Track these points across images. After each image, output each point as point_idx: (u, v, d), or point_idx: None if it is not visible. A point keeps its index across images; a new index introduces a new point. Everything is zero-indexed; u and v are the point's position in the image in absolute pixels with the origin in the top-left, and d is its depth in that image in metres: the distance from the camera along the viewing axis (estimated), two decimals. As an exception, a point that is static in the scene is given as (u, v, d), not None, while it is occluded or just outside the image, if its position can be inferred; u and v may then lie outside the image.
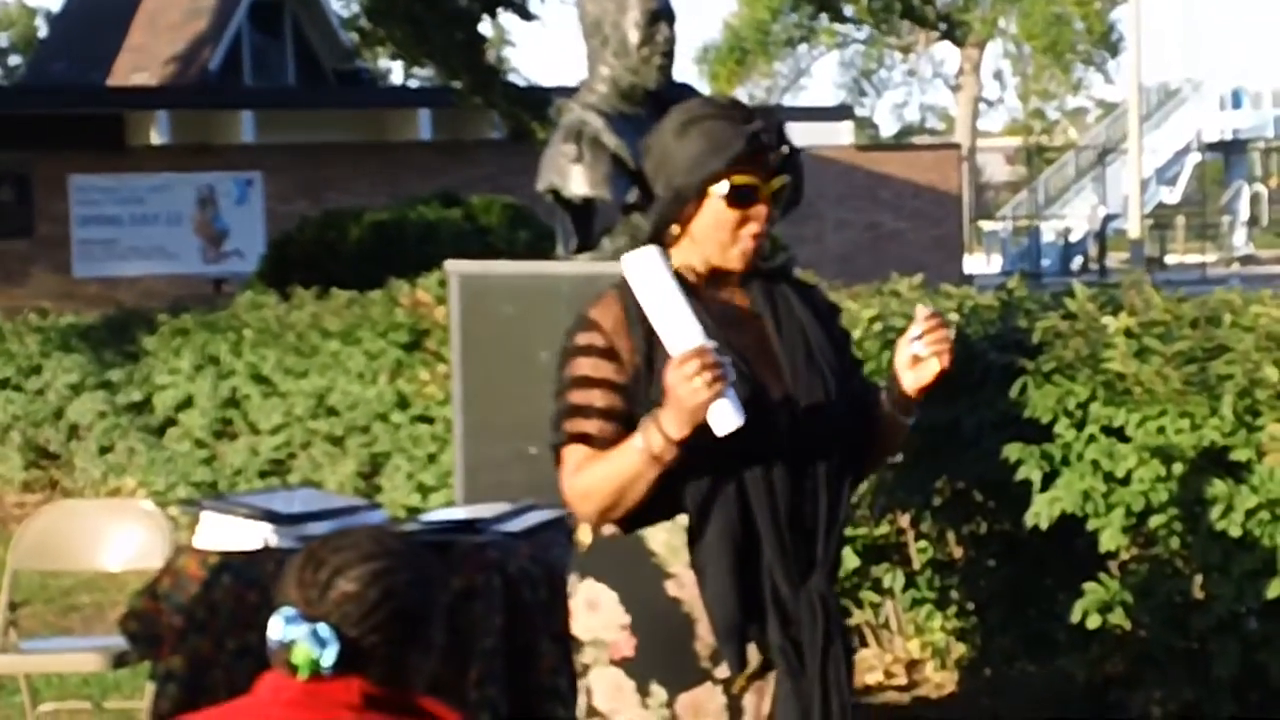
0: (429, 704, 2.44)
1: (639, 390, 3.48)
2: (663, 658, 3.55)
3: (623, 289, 3.55)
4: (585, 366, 3.51)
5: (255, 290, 11.53)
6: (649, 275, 3.36)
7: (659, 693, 3.55)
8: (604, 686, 3.60)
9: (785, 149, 3.51)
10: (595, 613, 3.60)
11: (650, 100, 5.83)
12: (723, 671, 3.53)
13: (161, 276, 23.56)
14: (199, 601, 4.90)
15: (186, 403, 10.36)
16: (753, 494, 3.46)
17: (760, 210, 3.50)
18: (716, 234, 3.51)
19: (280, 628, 2.37)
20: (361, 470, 8.91)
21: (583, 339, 3.54)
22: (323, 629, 2.36)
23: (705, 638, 3.52)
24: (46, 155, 23.62)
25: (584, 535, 3.65)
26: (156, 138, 24.77)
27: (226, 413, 10.05)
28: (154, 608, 5.00)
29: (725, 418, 3.29)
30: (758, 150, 3.48)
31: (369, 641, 2.38)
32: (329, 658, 2.34)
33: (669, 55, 5.81)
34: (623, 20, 5.76)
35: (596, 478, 3.43)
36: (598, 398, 3.49)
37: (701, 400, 3.25)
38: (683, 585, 3.52)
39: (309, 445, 9.38)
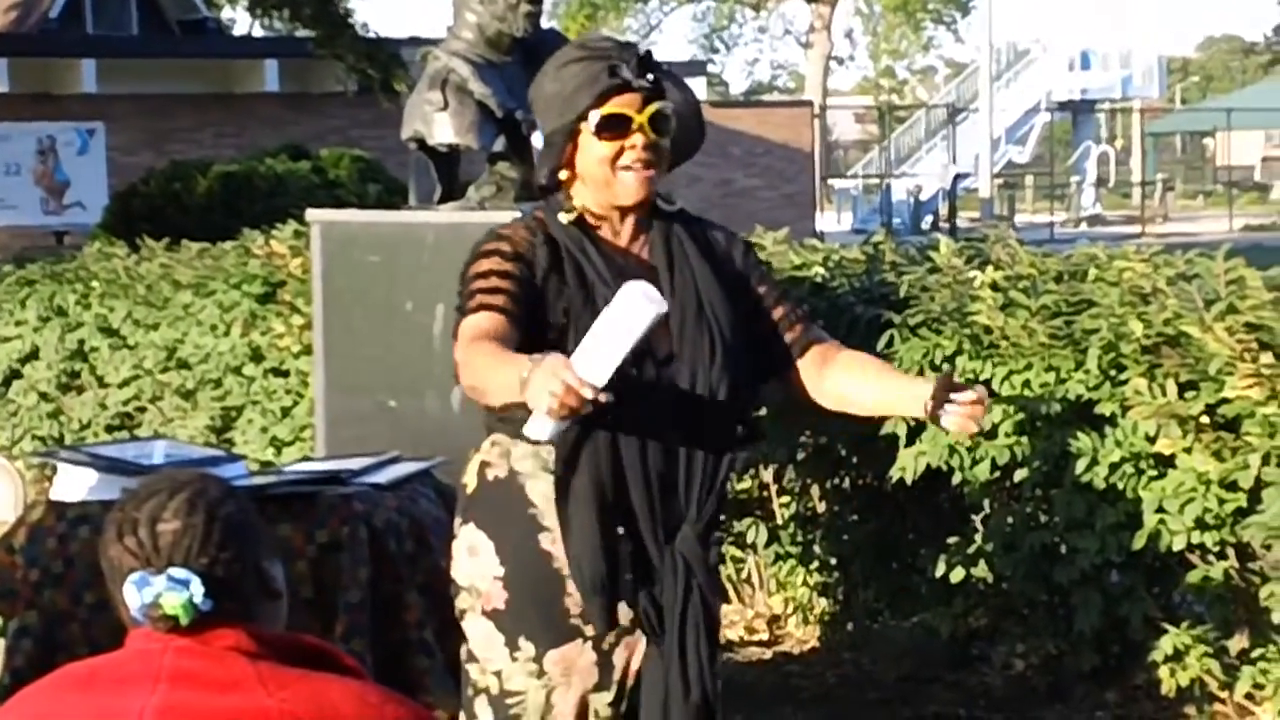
0: (317, 643, 2.39)
1: (538, 298, 3.44)
2: (533, 612, 3.54)
3: (530, 221, 3.53)
4: (491, 264, 3.48)
5: (100, 242, 11.28)
6: (633, 308, 3.25)
7: (528, 647, 3.54)
8: (477, 635, 3.61)
9: (650, 78, 3.47)
10: (474, 559, 3.59)
11: (518, 48, 5.76)
12: (592, 629, 3.51)
13: (1, 228, 23.10)
14: (55, 555, 4.78)
15: (32, 355, 10.14)
16: (624, 451, 3.44)
17: (636, 139, 3.46)
18: (597, 169, 3.50)
19: (136, 594, 2.32)
20: (213, 424, 8.76)
21: (489, 245, 3.52)
22: (176, 572, 2.32)
23: (576, 594, 3.51)
24: (-118, 103, 23.10)
25: (469, 477, 3.61)
26: (-4, 86, 24.30)
27: (74, 365, 9.84)
28: (8, 562, 4.88)
29: (539, 429, 3.23)
30: (623, 82, 3.44)
31: (220, 570, 2.35)
32: (198, 592, 2.30)
33: (536, 2, 5.73)
34: (489, -34, 5.67)
35: (482, 361, 3.33)
36: (500, 283, 3.44)
37: (536, 403, 3.14)
38: (555, 540, 3.50)
39: (159, 399, 9.21)
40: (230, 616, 2.34)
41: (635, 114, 3.47)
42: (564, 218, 3.53)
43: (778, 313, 3.69)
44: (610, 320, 3.25)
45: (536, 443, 3.34)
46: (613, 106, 3.46)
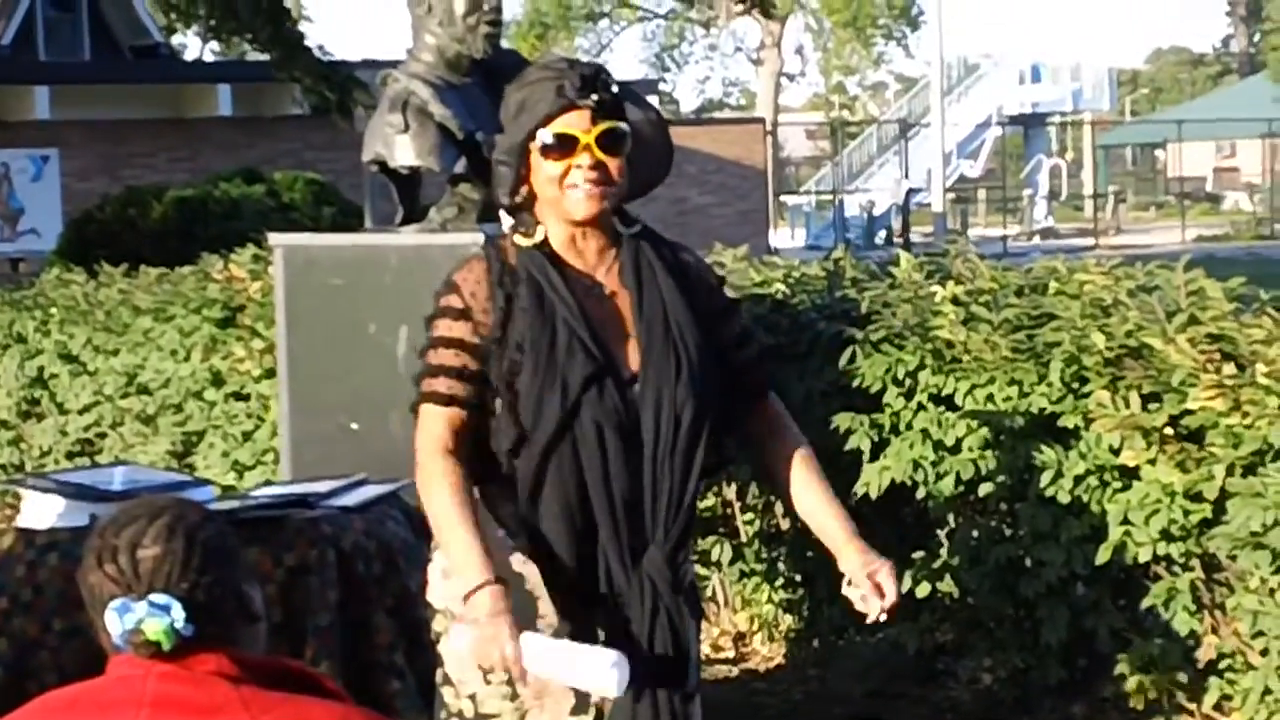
0: (299, 667, 2.39)
1: (493, 352, 3.47)
2: (505, 633, 3.52)
3: (488, 252, 3.53)
4: (441, 327, 3.53)
5: (57, 268, 11.24)
6: (603, 669, 3.34)
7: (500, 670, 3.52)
8: (452, 658, 3.59)
9: (596, 97, 3.47)
10: (447, 582, 3.57)
11: (477, 69, 5.76)
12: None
13: (-45, 256, 22.97)
14: (24, 582, 4.76)
15: (-10, 383, 10.09)
16: (588, 472, 3.43)
17: (583, 158, 3.46)
18: (547, 188, 3.50)
19: (118, 620, 2.32)
20: (174, 449, 8.73)
21: (443, 300, 3.55)
22: (157, 598, 2.33)
23: (549, 615, 3.50)
24: None
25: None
26: (-52, 113, 24.17)
27: (33, 392, 9.80)
28: (-24, 590, 4.86)
29: (459, 641, 3.37)
30: (569, 101, 3.45)
31: (201, 594, 2.35)
32: (180, 617, 2.30)
33: (495, 24, 5.74)
34: (448, -12, 5.68)
35: (434, 509, 3.46)
36: (449, 357, 3.50)
37: (466, 639, 3.34)
38: (526, 561, 3.49)
39: (120, 424, 9.17)
40: (212, 641, 2.33)
41: (582, 133, 3.46)
42: (523, 241, 3.53)
43: (736, 354, 3.68)
44: (583, 654, 3.35)
45: (571, 413, 3.40)
46: (559, 125, 3.45)
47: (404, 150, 5.66)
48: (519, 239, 3.53)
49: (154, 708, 2.29)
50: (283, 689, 2.34)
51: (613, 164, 3.48)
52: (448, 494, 3.42)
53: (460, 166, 5.78)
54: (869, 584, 3.57)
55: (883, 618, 3.60)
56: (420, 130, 5.64)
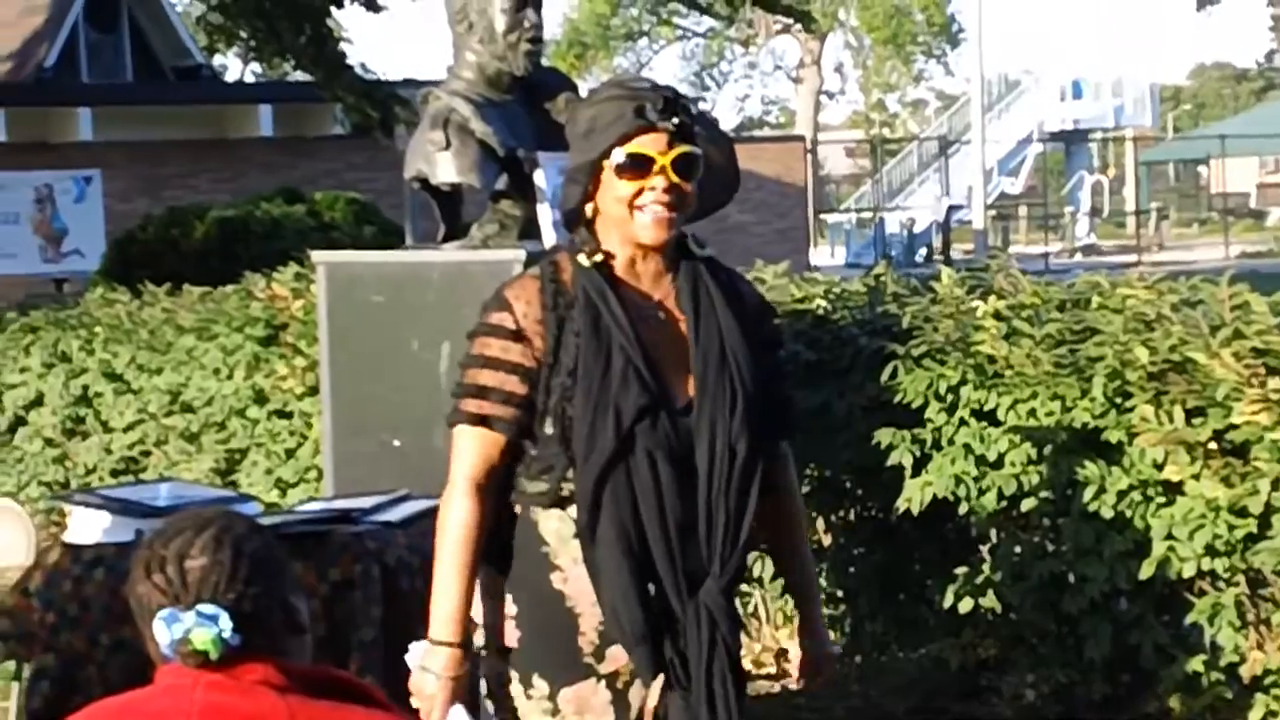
0: (345, 676, 2.40)
1: (543, 376, 3.45)
2: (545, 651, 3.52)
3: (543, 271, 3.52)
4: (494, 347, 3.48)
5: (101, 288, 11.30)
6: None
7: (541, 685, 3.53)
8: (492, 672, 3.58)
9: (676, 121, 3.46)
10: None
11: (518, 86, 5.78)
12: (606, 667, 3.50)
13: (0, 277, 23.10)
14: (71, 597, 4.79)
15: (36, 401, 10.14)
16: (643, 503, 3.41)
17: (657, 180, 3.45)
18: (616, 208, 3.46)
19: (166, 630, 2.34)
20: (218, 467, 8.77)
21: (494, 318, 3.50)
22: (204, 608, 2.35)
23: (589, 633, 3.49)
24: (-120, 154, 23.11)
25: None
26: (-8, 135, 24.32)
27: (78, 410, 9.85)
28: (25, 605, 4.89)
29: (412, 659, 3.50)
30: (648, 123, 3.44)
31: (248, 604, 2.38)
32: (227, 627, 2.32)
33: (536, 41, 5.75)
34: (489, 6, 5.69)
35: (442, 542, 3.50)
36: (499, 380, 3.46)
37: (416, 691, 3.47)
38: (568, 579, 3.48)
39: (164, 442, 9.22)
40: (258, 651, 2.35)
41: (659, 155, 3.45)
42: (585, 260, 3.51)
43: (771, 388, 3.65)
44: None
45: (628, 439, 3.41)
46: (636, 146, 3.43)
47: (445, 167, 5.68)
48: (581, 258, 3.51)
49: (202, 716, 2.31)
50: (329, 698, 2.35)
51: (685, 188, 3.47)
52: (458, 538, 3.46)
53: (501, 183, 5.79)
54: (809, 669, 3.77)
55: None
56: (461, 147, 5.65)
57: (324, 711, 2.32)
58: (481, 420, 3.47)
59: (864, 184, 49.09)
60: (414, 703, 3.42)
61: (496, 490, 3.48)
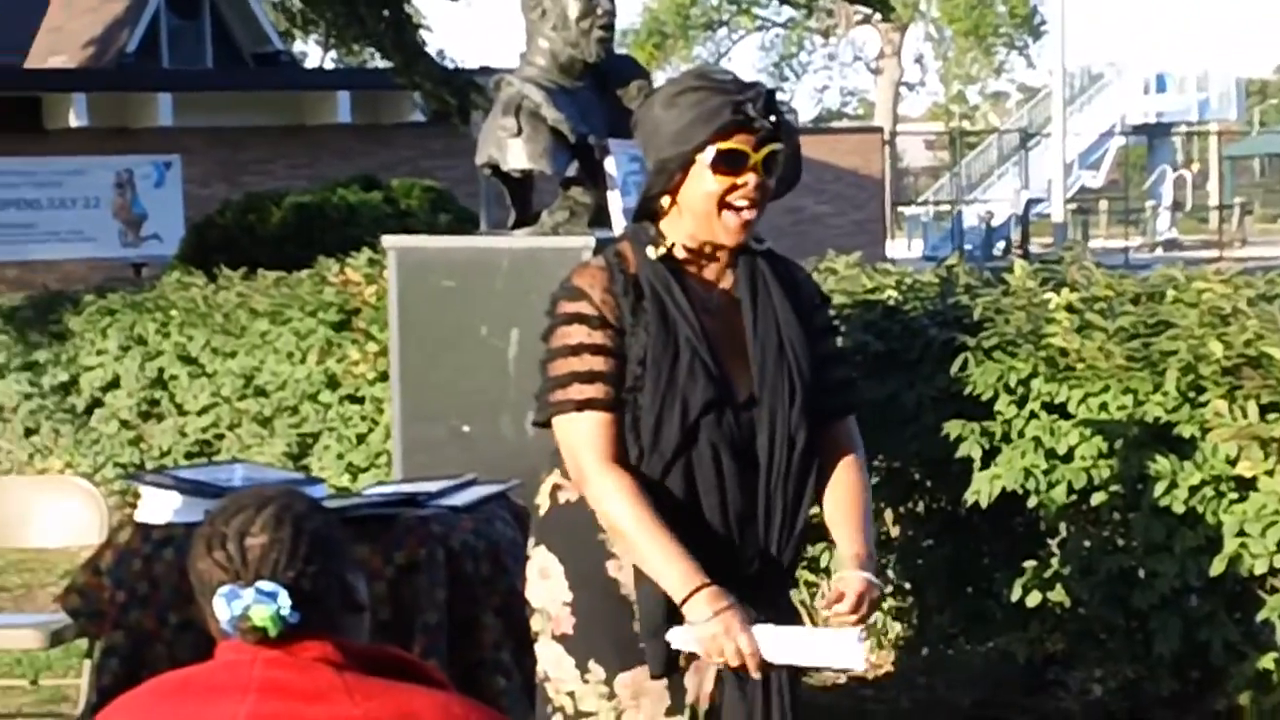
0: (402, 655, 2.41)
1: (625, 356, 3.43)
2: (601, 637, 3.53)
3: (609, 261, 3.51)
4: (578, 334, 3.46)
5: (178, 272, 11.39)
6: (846, 647, 3.33)
7: (597, 670, 3.54)
8: (549, 657, 3.61)
9: (773, 119, 3.45)
10: (545, 582, 3.60)
11: (589, 73, 5.79)
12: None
13: (80, 261, 23.30)
14: (141, 576, 4.84)
15: (113, 384, 10.24)
16: (704, 495, 3.42)
17: (749, 178, 3.44)
18: (705, 204, 3.45)
19: (225, 606, 2.36)
20: (290, 451, 8.83)
21: (572, 307, 3.49)
22: (264, 585, 2.36)
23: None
24: (-37, 137, 23.34)
25: (541, 499, 3.62)
26: (75, 120, 24.50)
27: (153, 393, 9.94)
28: (96, 583, 4.94)
29: (683, 642, 3.36)
30: (745, 120, 3.43)
31: (307, 582, 2.38)
32: (286, 605, 2.34)
33: (608, 28, 5.76)
34: (562, -7, 5.71)
35: (621, 523, 3.39)
36: (598, 363, 3.44)
37: (700, 638, 3.31)
38: (623, 567, 3.49)
39: (237, 426, 9.29)
40: (317, 628, 2.36)
41: (752, 153, 3.44)
42: (652, 253, 3.51)
43: (827, 372, 3.64)
44: (821, 636, 3.37)
45: (690, 429, 3.38)
46: (733, 143, 3.42)
47: (516, 154, 5.69)
48: (649, 250, 3.50)
49: (260, 692, 2.32)
50: (387, 677, 2.37)
51: (769, 186, 3.47)
52: (631, 505, 3.37)
53: (572, 170, 5.81)
54: (834, 593, 3.46)
55: (827, 616, 3.46)
56: (533, 134, 5.67)
57: (381, 689, 2.34)
58: (587, 404, 3.43)
59: (942, 176, 48.86)
60: (712, 658, 3.32)
61: (628, 467, 3.43)
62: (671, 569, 3.34)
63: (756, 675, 3.34)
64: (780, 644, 3.32)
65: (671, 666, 3.46)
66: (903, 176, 49.34)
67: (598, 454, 3.42)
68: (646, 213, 3.54)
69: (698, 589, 3.31)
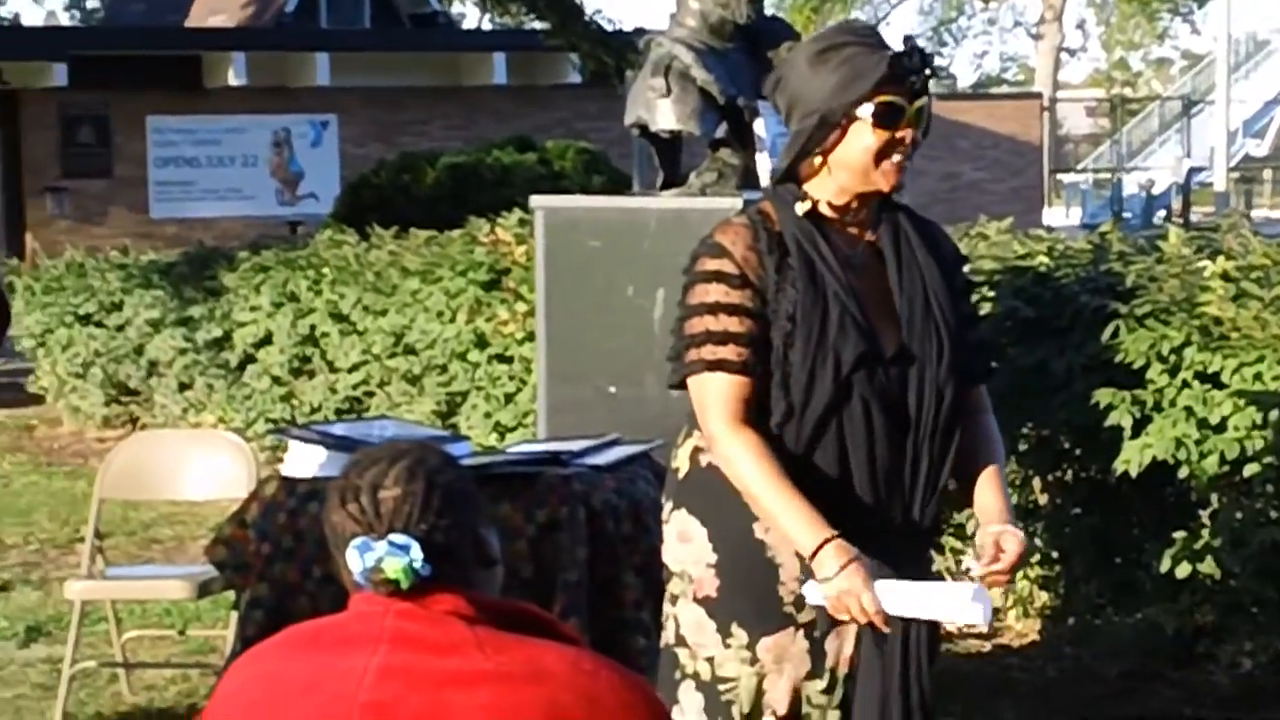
0: (534, 610, 2.42)
1: (768, 317, 3.41)
2: (745, 600, 3.52)
3: (752, 218, 3.50)
4: (716, 292, 3.43)
5: (331, 230, 11.52)
6: (964, 601, 3.32)
7: (740, 634, 3.53)
8: (689, 620, 3.59)
9: (926, 72, 3.43)
10: (685, 545, 3.58)
11: (740, 35, 5.76)
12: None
13: (237, 218, 23.63)
14: (285, 529, 4.89)
15: (265, 340, 10.37)
16: (852, 451, 3.40)
17: (906, 132, 3.42)
18: (862, 159, 3.42)
19: (358, 558, 2.37)
20: (438, 409, 8.90)
21: (713, 264, 3.46)
22: (396, 538, 2.37)
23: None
24: (125, 96, 23.71)
25: (680, 461, 3.60)
26: (234, 79, 24.82)
27: (305, 350, 10.05)
28: (242, 535, 5.00)
29: (816, 597, 3.36)
30: (901, 73, 3.40)
31: (439, 535, 2.39)
32: (418, 557, 2.35)
33: (759, -11, 5.72)
34: (714, -48, 5.68)
35: (748, 480, 3.38)
36: (733, 324, 3.41)
37: (827, 593, 3.31)
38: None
39: (386, 384, 9.37)
40: (448, 581, 2.37)
41: (909, 106, 3.42)
42: (800, 208, 3.49)
43: (969, 333, 3.61)
44: (942, 591, 3.36)
45: (841, 386, 3.37)
46: (890, 97, 3.40)
47: (665, 114, 5.68)
48: (798, 206, 3.48)
49: (392, 644, 2.34)
50: (518, 631, 2.37)
51: (919, 140, 3.46)
52: (760, 464, 3.37)
53: (721, 131, 5.78)
54: (992, 548, 3.41)
55: (977, 573, 3.40)
56: (682, 94, 5.65)
57: (511, 644, 2.34)
58: (718, 365, 3.41)
59: (1103, 144, 48.23)
60: (839, 614, 3.33)
61: (757, 430, 3.42)
62: (799, 524, 3.34)
63: (886, 629, 3.33)
64: (902, 598, 3.30)
65: (833, 619, 3.43)
66: (1063, 143, 48.72)
67: (727, 415, 3.40)
68: (790, 175, 3.52)
69: (824, 542, 3.31)
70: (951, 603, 3.32)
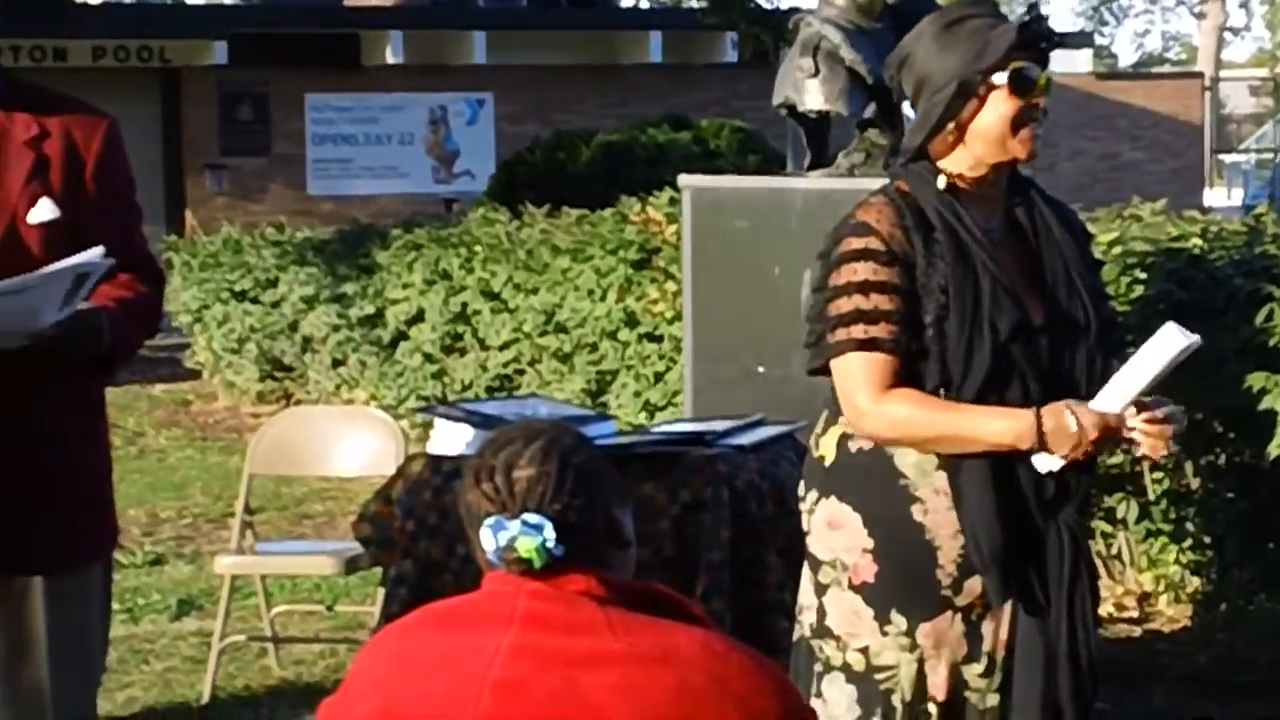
0: (666, 592, 2.43)
1: (917, 293, 3.40)
2: (904, 585, 3.50)
3: (893, 196, 3.48)
4: (865, 270, 3.43)
5: (484, 208, 11.58)
6: (1165, 341, 3.35)
7: (899, 621, 3.50)
8: (840, 610, 3.55)
9: (1053, 39, 3.44)
10: (837, 532, 3.54)
11: (889, 14, 5.73)
12: (963, 599, 3.48)
13: (394, 196, 23.81)
14: (431, 507, 4.93)
15: (417, 317, 10.46)
16: None
17: (1040, 99, 3.45)
18: (999, 128, 3.44)
19: (492, 537, 2.39)
20: (588, 388, 8.93)
21: (858, 243, 3.45)
22: (530, 517, 2.38)
23: (947, 565, 3.47)
24: (284, 74, 23.97)
25: (826, 449, 3.58)
26: (391, 57, 25.00)
27: (456, 328, 10.12)
28: (387, 512, 5.05)
29: (1048, 464, 3.37)
30: (1029, 40, 3.42)
31: (572, 515, 2.40)
32: (551, 537, 2.37)
33: (908, -31, 5.69)
34: (863, -68, 5.66)
35: (926, 419, 3.38)
36: (884, 301, 3.41)
37: (1059, 449, 3.32)
38: (928, 511, 3.46)
39: (537, 362, 9.42)
40: (581, 562, 2.39)
41: (1040, 74, 3.44)
42: (942, 182, 3.47)
43: (1104, 307, 3.60)
44: (1141, 355, 3.35)
45: (998, 357, 3.38)
46: (1023, 65, 3.42)
47: (813, 94, 5.67)
48: (939, 180, 3.47)
49: (524, 623, 2.35)
50: (650, 613, 2.38)
51: (1047, 108, 3.48)
52: (926, 404, 3.38)
53: (869, 112, 5.76)
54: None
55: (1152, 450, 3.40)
56: (830, 74, 5.63)
57: (643, 625, 2.35)
58: (871, 344, 3.41)
59: (1266, 124, 47.40)
60: (1084, 449, 3.34)
61: None
62: (999, 423, 3.34)
63: (1112, 422, 3.33)
64: (1118, 392, 3.33)
65: (1008, 595, 3.42)
66: (1225, 123, 47.97)
67: (879, 390, 3.39)
68: (922, 152, 3.51)
69: (1035, 418, 3.32)
70: (1155, 354, 3.32)
